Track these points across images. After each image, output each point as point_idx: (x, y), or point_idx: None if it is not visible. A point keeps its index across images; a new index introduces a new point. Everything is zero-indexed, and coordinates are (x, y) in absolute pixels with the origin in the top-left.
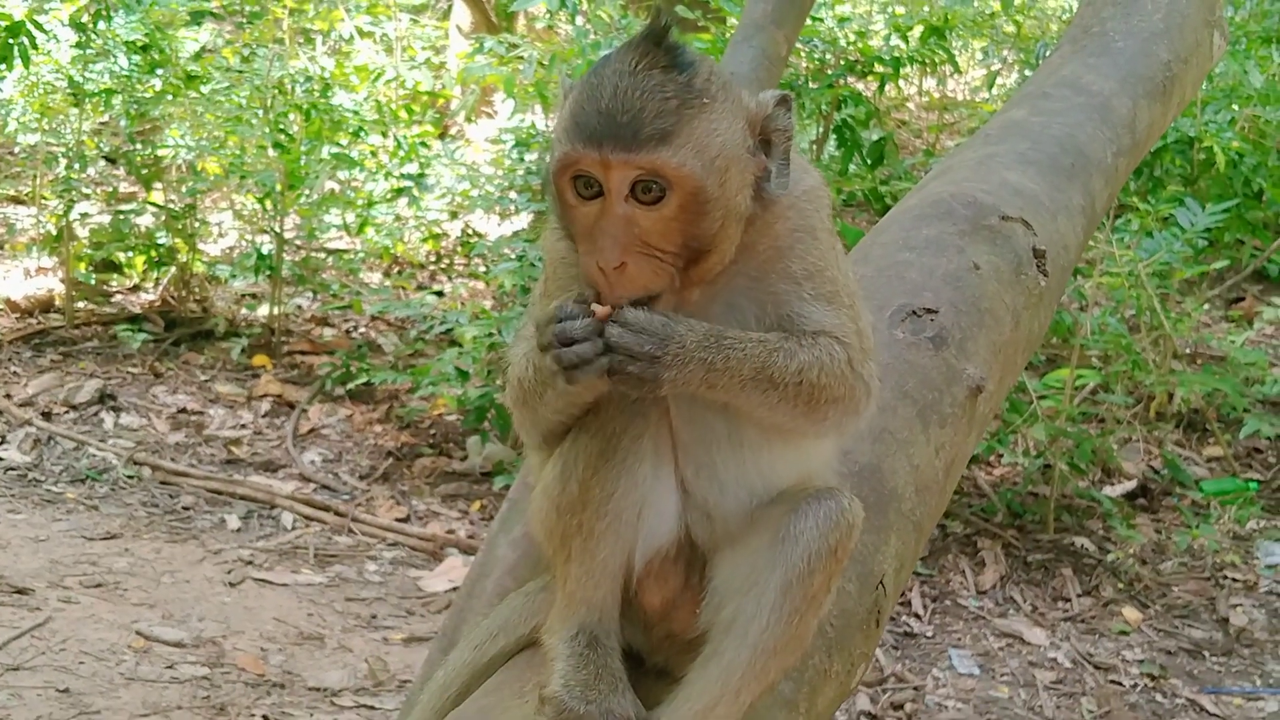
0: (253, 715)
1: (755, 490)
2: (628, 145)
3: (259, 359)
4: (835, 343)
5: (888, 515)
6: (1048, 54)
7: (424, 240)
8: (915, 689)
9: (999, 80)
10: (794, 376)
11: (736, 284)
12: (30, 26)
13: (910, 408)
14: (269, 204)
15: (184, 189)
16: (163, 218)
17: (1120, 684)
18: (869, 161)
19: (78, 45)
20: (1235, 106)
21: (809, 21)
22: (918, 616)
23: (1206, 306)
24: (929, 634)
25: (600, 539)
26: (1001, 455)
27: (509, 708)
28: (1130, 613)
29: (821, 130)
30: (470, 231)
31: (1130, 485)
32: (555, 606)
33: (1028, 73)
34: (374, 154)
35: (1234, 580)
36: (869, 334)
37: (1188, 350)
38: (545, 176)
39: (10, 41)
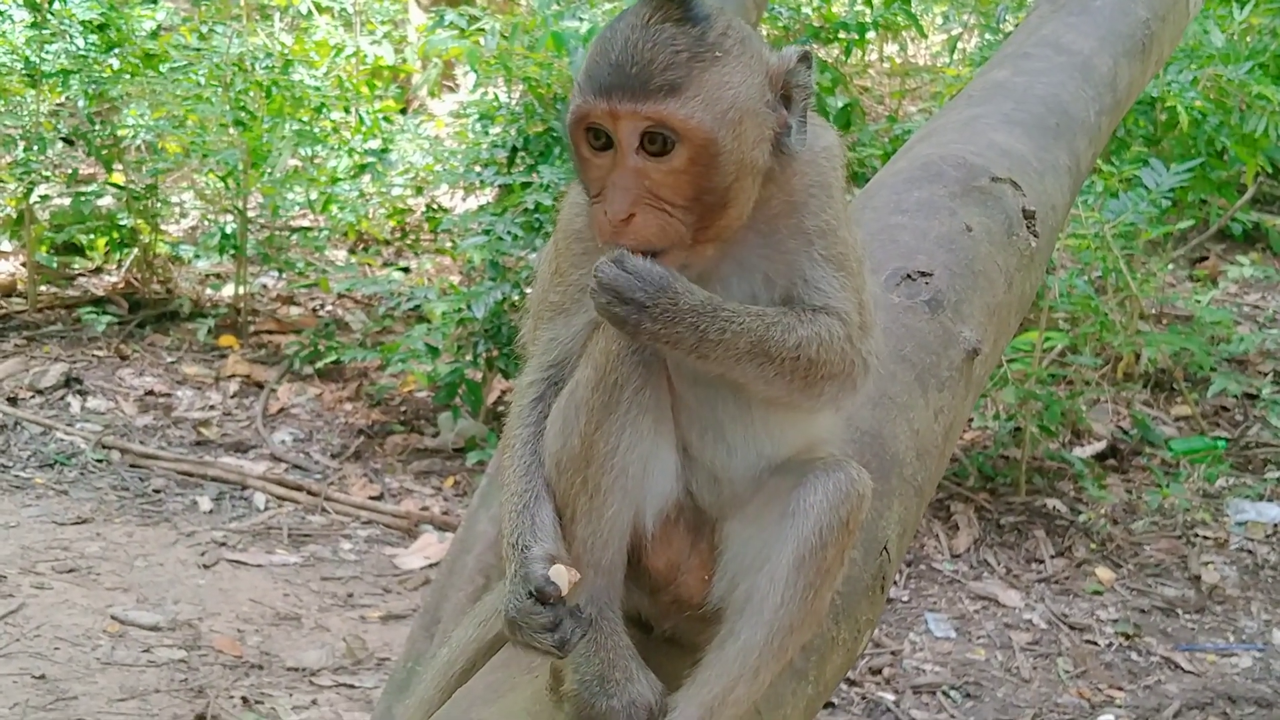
0: (231, 697)
1: (764, 452)
2: (635, 96)
3: (225, 339)
4: (837, 320)
5: (890, 481)
6: (1008, 16)
7: (389, 216)
8: (893, 653)
9: (959, 44)
10: (791, 352)
11: (748, 240)
12: None
13: (909, 372)
14: (231, 183)
15: (144, 169)
16: (124, 199)
17: (1095, 643)
18: (836, 128)
19: (33, 25)
20: (1196, 66)
21: None
22: (893, 581)
23: (1171, 267)
24: (905, 598)
25: (607, 495)
26: (972, 419)
27: (518, 683)
28: (1103, 572)
29: None
30: (435, 207)
31: (1100, 446)
32: None
33: (989, 36)
34: (336, 130)
35: (1205, 538)
36: (871, 307)
37: (1154, 310)
38: (563, 128)
39: None
